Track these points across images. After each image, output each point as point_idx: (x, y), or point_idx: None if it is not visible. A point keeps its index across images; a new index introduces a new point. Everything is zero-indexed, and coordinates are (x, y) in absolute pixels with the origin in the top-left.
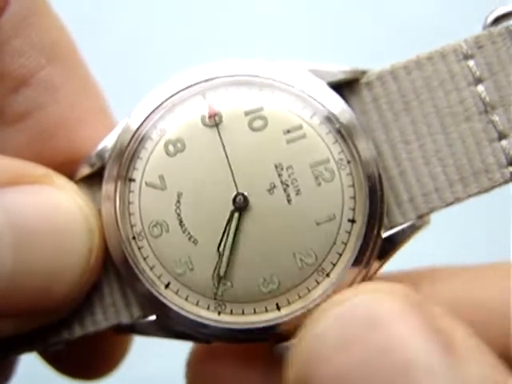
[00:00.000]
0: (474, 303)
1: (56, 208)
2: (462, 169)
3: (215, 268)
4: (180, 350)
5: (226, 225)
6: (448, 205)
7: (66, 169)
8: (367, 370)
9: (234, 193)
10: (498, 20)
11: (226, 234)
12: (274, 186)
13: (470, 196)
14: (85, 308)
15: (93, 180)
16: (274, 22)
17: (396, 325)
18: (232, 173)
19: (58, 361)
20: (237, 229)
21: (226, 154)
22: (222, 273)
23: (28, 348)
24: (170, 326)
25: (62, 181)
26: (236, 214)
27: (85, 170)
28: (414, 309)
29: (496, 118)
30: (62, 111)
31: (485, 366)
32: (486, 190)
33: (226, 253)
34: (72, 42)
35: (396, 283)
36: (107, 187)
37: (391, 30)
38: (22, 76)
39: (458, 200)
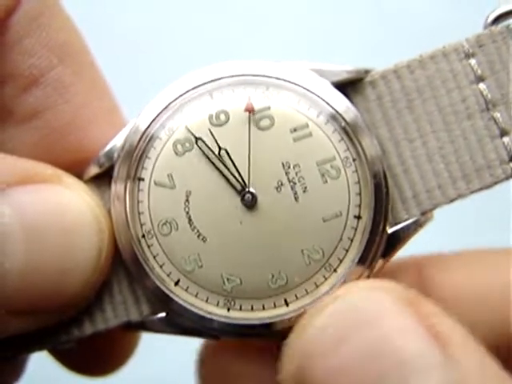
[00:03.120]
0: (478, 290)
1: (65, 207)
2: (465, 165)
3: None
4: (181, 351)
5: None
6: (451, 201)
7: (76, 168)
8: (362, 365)
9: (241, 190)
10: (498, 19)
11: None
12: (282, 184)
13: (472, 192)
14: (95, 306)
15: (101, 180)
16: (278, 22)
17: (390, 322)
18: (249, 170)
19: (68, 358)
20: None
21: (249, 151)
22: None
23: (39, 346)
24: (180, 322)
25: (71, 180)
26: None
27: (93, 170)
28: (407, 306)
29: (497, 115)
30: (72, 111)
31: (479, 366)
32: (489, 186)
33: None
34: (83, 43)
35: (390, 280)
36: (117, 187)
37: (394, 30)
38: (32, 76)
39: (460, 196)
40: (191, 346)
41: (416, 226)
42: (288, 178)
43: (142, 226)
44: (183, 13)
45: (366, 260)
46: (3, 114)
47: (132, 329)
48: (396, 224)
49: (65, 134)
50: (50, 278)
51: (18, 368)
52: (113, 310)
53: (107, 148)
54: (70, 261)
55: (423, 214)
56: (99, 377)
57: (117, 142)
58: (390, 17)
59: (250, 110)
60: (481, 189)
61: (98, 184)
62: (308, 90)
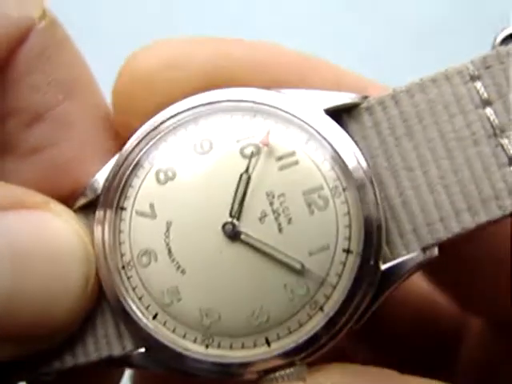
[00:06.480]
0: None
1: (53, 234)
2: (470, 196)
3: None
4: None
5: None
6: (454, 235)
7: (71, 201)
8: None
9: (224, 221)
10: (506, 39)
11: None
12: (265, 215)
13: (478, 225)
14: (77, 338)
15: (88, 210)
16: (274, 22)
17: None
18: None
19: None
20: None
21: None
22: None
23: (19, 377)
24: (160, 358)
25: (59, 208)
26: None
27: (81, 200)
28: None
29: (506, 141)
30: (75, 149)
31: None
32: (497, 219)
33: None
34: (90, 78)
35: None
36: (99, 217)
37: (391, 30)
38: (36, 111)
39: (464, 230)
40: None
41: (415, 263)
42: (272, 209)
43: (122, 256)
44: (178, 9)
45: (354, 299)
46: (5, 148)
47: (113, 364)
48: (392, 260)
49: (67, 169)
50: (36, 304)
51: None
52: (94, 343)
53: (94, 178)
54: (56, 287)
55: (424, 249)
56: None
57: (103, 172)
58: (386, 16)
59: (266, 144)
60: (488, 221)
61: (85, 214)
62: (297, 117)
